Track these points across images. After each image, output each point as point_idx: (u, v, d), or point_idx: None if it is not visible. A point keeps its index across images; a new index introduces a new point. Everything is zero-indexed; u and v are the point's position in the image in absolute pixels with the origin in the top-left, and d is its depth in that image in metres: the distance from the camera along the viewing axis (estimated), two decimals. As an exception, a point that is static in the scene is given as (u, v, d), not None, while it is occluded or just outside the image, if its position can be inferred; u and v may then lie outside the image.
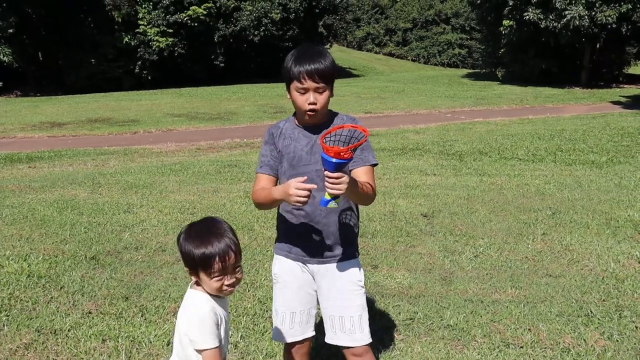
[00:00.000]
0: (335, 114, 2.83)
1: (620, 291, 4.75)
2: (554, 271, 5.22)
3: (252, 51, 40.01)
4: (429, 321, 4.21)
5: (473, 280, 5.02)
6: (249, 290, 4.78)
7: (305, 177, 2.48)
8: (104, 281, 4.94)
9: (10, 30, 30.90)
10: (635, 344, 3.87)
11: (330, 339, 2.86)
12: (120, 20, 34.48)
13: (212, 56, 38.43)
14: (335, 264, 2.81)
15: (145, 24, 35.55)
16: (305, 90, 2.62)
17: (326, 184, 2.40)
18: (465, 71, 48.65)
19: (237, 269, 2.26)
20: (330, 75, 2.64)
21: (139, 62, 36.54)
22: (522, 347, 3.84)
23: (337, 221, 2.76)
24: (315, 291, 2.89)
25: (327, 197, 2.44)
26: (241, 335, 3.96)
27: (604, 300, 4.58)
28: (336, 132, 2.49)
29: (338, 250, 2.80)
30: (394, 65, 59.68)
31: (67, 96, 29.56)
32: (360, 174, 2.72)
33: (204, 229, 2.25)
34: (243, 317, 4.26)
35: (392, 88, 30.53)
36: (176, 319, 2.32)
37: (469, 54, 61.85)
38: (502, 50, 35.25)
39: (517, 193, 8.22)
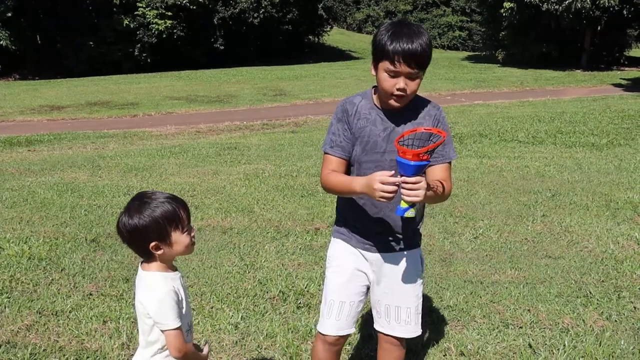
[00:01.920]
0: (422, 101, 2.53)
1: (619, 272, 4.77)
2: (553, 252, 5.23)
3: (252, 34, 39.76)
4: (429, 302, 4.22)
5: (473, 261, 5.03)
6: (249, 272, 4.79)
7: (392, 172, 2.21)
8: (104, 263, 4.96)
9: (9, 14, 30.71)
10: (633, 324, 3.89)
11: (381, 327, 2.71)
12: (118, 2, 34.25)
13: (212, 39, 38.22)
14: (398, 254, 2.61)
15: (144, 6, 35.29)
16: (396, 74, 2.32)
17: (402, 190, 2.16)
18: (465, 54, 48.42)
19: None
20: (426, 62, 2.35)
21: (138, 45, 36.31)
22: (521, 327, 3.86)
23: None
24: (368, 282, 2.68)
25: (404, 205, 2.20)
26: (241, 317, 3.98)
27: (603, 281, 4.60)
28: (409, 135, 2.30)
29: (403, 241, 2.60)
30: (394, 47, 59.31)
31: (66, 79, 29.45)
32: (439, 171, 2.47)
33: (146, 197, 2.17)
34: (243, 298, 4.28)
35: (392, 71, 30.37)
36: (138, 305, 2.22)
37: (469, 36, 61.44)
38: (502, 32, 35.06)
39: (517, 175, 8.22)
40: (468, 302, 4.21)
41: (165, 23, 35.31)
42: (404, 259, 2.62)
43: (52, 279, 4.62)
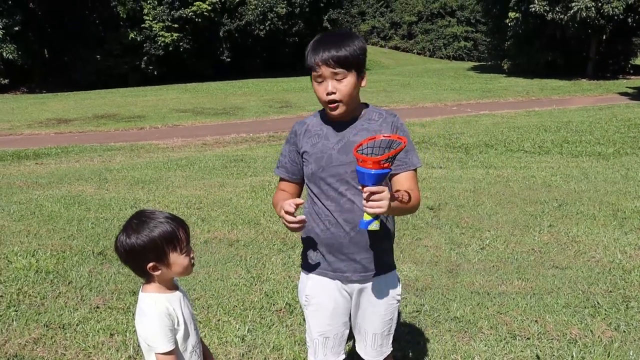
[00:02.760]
0: (376, 110, 2.47)
1: (627, 282, 4.74)
2: (560, 263, 5.21)
3: (258, 46, 40.00)
4: (436, 313, 4.21)
5: (479, 272, 5.02)
6: (255, 284, 4.79)
7: (301, 201, 2.24)
8: (111, 276, 4.96)
9: (16, 28, 30.99)
10: (642, 334, 3.86)
11: (359, 350, 2.68)
12: (125, 16, 34.54)
13: (218, 51, 38.45)
14: (376, 280, 2.50)
15: (151, 19, 35.59)
16: (322, 79, 2.29)
17: (364, 202, 2.08)
18: (471, 64, 48.52)
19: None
20: (350, 60, 2.27)
21: (145, 58, 36.62)
22: (528, 338, 3.84)
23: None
24: (350, 311, 2.58)
25: (367, 217, 2.10)
26: (248, 329, 3.98)
27: (610, 291, 4.58)
28: (368, 144, 2.20)
29: (379, 263, 2.48)
30: (399, 58, 59.52)
31: (73, 92, 29.64)
32: (404, 179, 2.39)
33: (145, 216, 2.12)
34: (250, 310, 4.28)
35: (397, 82, 30.47)
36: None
37: (474, 46, 61.62)
38: (507, 42, 35.15)
39: (523, 185, 8.20)
40: (475, 314, 4.20)
41: (171, 36, 35.61)
42: (382, 285, 2.53)
43: (59, 292, 4.63)
